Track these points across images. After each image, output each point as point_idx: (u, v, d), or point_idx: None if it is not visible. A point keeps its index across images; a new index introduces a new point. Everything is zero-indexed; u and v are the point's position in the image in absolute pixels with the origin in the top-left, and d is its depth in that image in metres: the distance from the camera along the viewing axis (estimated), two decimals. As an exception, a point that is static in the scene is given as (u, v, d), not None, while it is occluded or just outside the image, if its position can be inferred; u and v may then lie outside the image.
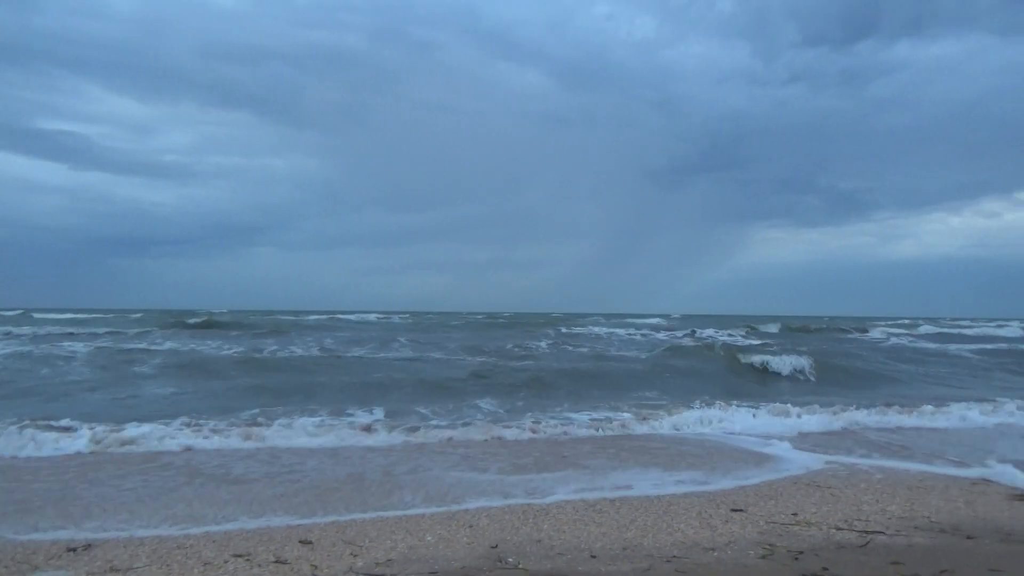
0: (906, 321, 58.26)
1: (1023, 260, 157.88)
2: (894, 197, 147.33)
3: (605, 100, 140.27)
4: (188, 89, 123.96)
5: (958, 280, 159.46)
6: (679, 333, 33.66)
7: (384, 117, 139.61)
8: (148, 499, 5.83)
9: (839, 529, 4.98)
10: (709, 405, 11.36)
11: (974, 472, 7.06)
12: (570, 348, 23.26)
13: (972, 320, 64.60)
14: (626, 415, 10.54)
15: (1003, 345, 28.93)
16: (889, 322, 55.28)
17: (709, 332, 33.72)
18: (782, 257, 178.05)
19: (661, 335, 32.14)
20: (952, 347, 27.13)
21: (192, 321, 35.62)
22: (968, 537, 4.75)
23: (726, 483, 6.60)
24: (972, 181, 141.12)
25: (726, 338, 29.50)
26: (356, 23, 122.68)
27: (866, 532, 4.88)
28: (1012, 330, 39.05)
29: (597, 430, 9.44)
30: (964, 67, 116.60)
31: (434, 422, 9.84)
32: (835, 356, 20.79)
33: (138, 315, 49.13)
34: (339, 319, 47.16)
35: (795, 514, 5.43)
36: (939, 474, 7.05)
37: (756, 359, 17.85)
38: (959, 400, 12.40)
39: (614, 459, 7.61)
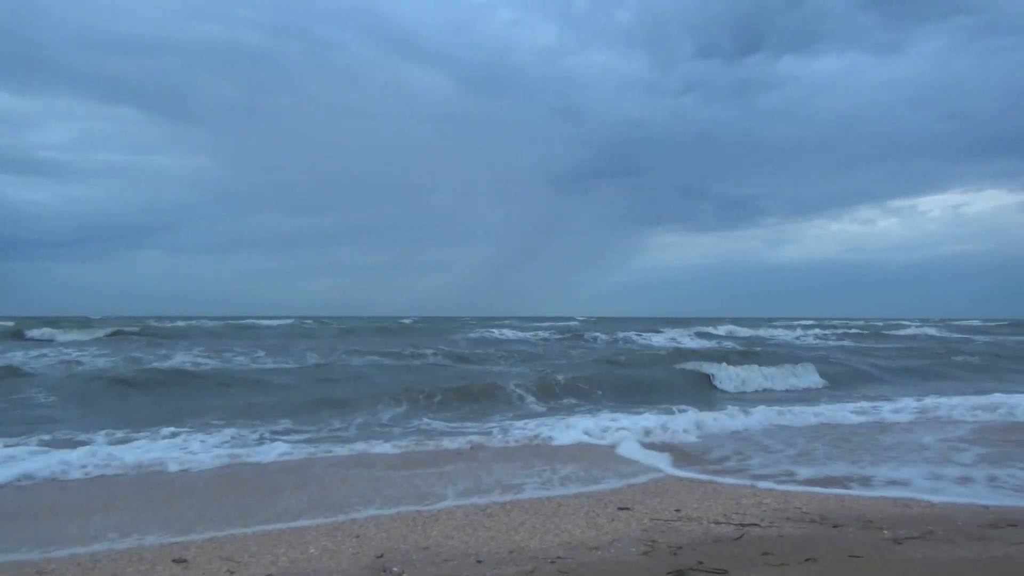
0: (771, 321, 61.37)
1: (894, 264, 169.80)
2: (781, 204, 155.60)
3: (509, 105, 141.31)
4: (68, 82, 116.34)
5: (838, 282, 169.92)
6: (614, 336, 34.27)
7: (283, 116, 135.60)
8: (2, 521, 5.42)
9: (718, 523, 5.17)
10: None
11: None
12: (466, 351, 23.28)
13: (847, 319, 68.87)
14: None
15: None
16: (783, 322, 58.23)
17: (653, 335, 34.55)
18: (678, 261, 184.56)
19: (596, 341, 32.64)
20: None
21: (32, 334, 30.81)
22: (834, 526, 5.03)
23: (615, 482, 6.75)
24: (850, 190, 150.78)
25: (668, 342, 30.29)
26: (253, 18, 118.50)
27: (742, 525, 5.09)
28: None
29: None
30: (843, 82, 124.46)
31: (324, 432, 9.60)
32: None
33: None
34: (231, 324, 45.39)
35: (678, 510, 5.61)
36: (812, 466, 7.45)
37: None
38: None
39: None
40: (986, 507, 5.65)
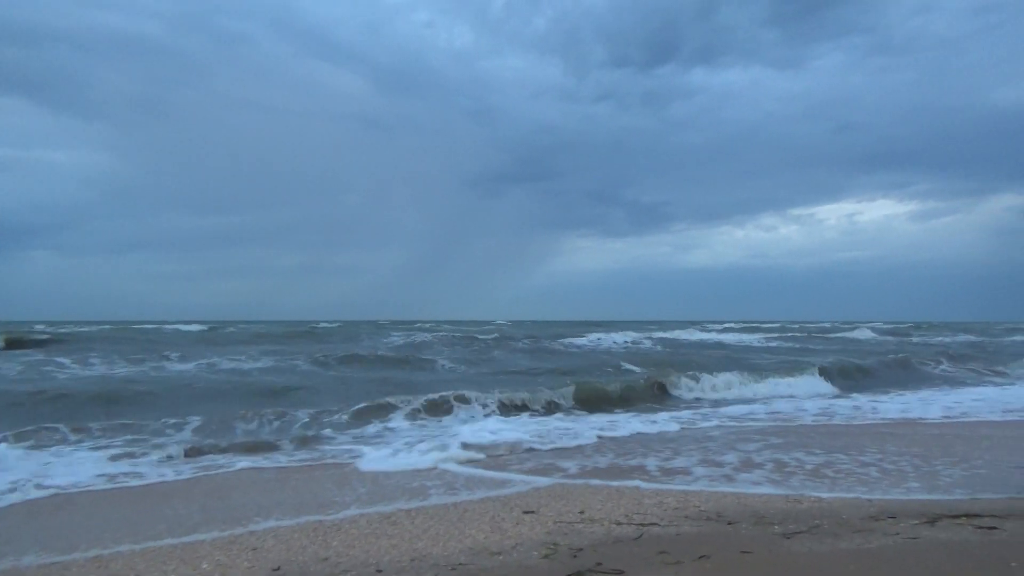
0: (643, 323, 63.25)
1: (795, 268, 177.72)
2: (690, 210, 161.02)
3: (424, 106, 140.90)
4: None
5: (743, 286, 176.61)
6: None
7: (188, 112, 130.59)
8: None
9: (619, 524, 5.26)
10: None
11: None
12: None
13: (743, 322, 71.62)
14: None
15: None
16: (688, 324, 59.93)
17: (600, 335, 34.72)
18: (591, 265, 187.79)
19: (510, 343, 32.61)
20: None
21: None
22: (729, 523, 5.20)
23: (522, 486, 6.78)
24: (754, 198, 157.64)
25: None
26: (155, 8, 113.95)
27: (642, 525, 5.19)
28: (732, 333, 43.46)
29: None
30: (748, 94, 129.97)
31: (224, 442, 9.28)
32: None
33: None
34: (131, 329, 43.39)
35: (582, 512, 5.68)
36: (712, 466, 7.69)
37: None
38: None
39: (415, 469, 7.57)
40: (870, 500, 5.96)
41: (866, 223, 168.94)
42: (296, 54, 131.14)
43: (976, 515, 5.11)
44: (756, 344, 36.60)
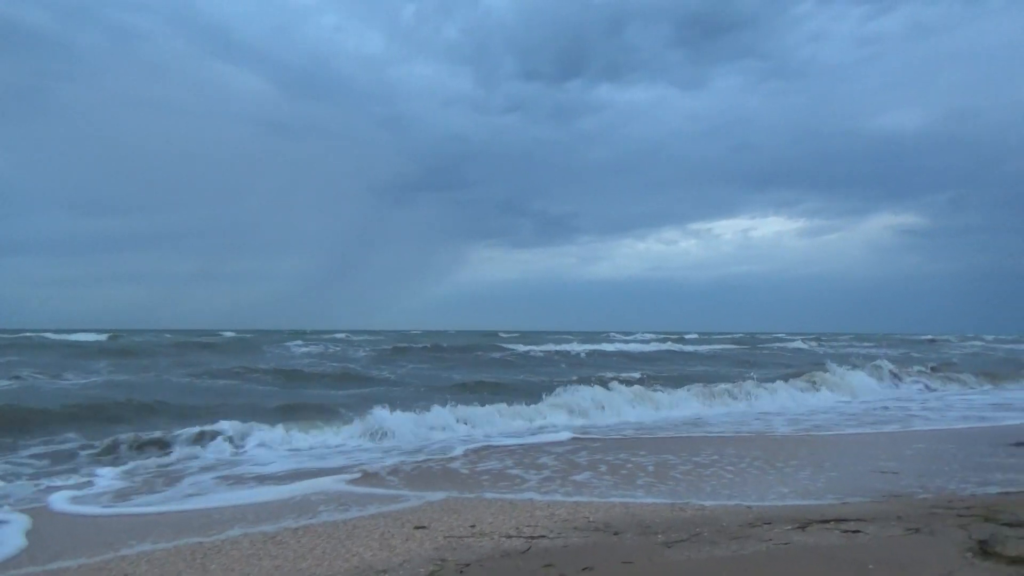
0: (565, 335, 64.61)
1: (693, 281, 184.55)
2: (595, 223, 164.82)
3: (332, 112, 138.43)
4: None
5: (644, 297, 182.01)
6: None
7: (75, 108, 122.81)
8: None
9: (509, 537, 5.29)
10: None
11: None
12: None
13: (652, 333, 73.74)
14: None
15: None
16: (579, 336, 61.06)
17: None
18: (499, 275, 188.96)
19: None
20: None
21: None
22: (615, 533, 5.31)
23: (414, 501, 6.72)
24: (656, 212, 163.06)
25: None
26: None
27: (531, 538, 5.24)
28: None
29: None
30: (653, 112, 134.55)
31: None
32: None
33: None
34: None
35: (473, 526, 5.67)
36: (604, 476, 7.83)
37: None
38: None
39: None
40: (749, 507, 6.22)
41: (759, 238, 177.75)
42: (196, 53, 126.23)
43: (843, 519, 5.42)
44: (707, 352, 37.64)
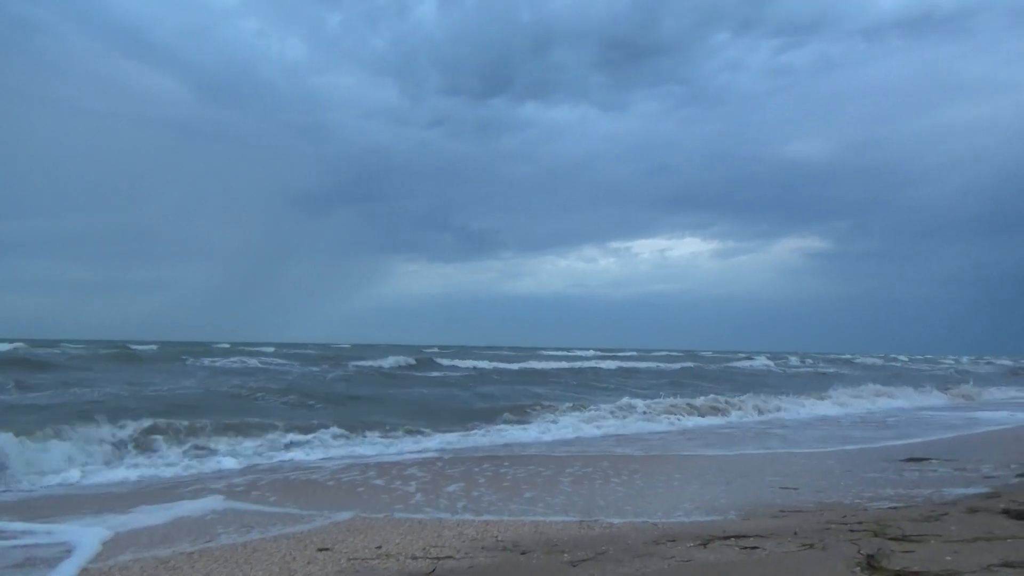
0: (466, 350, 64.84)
1: (612, 298, 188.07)
2: (517, 239, 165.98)
3: (249, 118, 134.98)
4: None
5: (565, 314, 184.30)
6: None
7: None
8: None
9: (415, 558, 5.20)
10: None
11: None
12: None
13: (572, 349, 74.59)
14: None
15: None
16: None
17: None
18: (418, 289, 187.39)
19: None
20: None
21: None
22: (523, 552, 5.29)
23: (320, 520, 6.53)
24: (576, 230, 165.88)
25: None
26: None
27: (437, 559, 5.16)
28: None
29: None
30: (575, 131, 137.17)
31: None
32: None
33: None
34: None
35: (379, 547, 5.55)
36: (516, 494, 7.83)
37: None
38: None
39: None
40: (655, 524, 6.32)
41: (675, 258, 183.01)
42: (104, 51, 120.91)
43: (744, 535, 5.57)
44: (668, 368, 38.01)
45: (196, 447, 10.68)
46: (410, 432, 12.63)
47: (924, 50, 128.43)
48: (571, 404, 16.99)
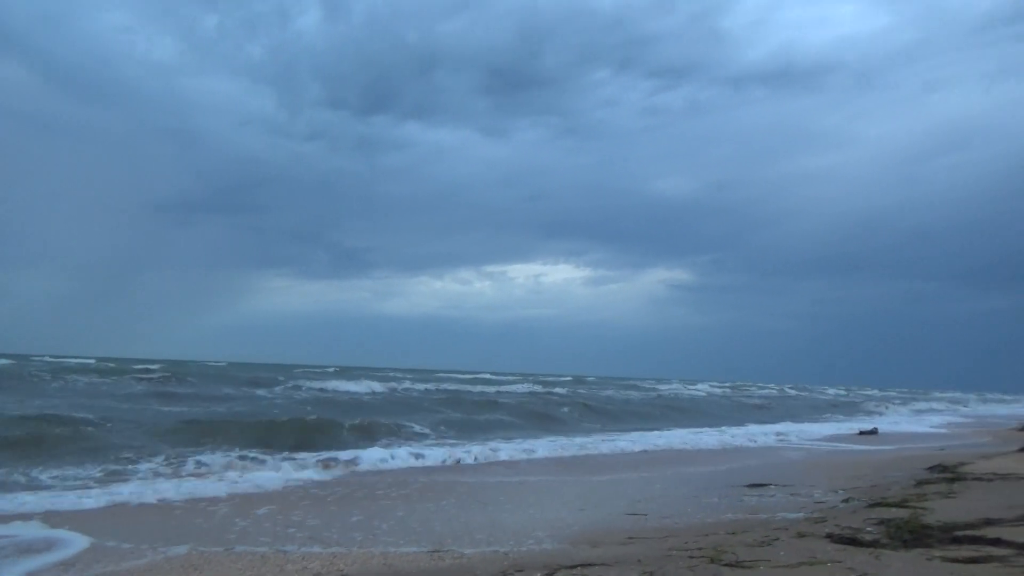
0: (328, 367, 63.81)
1: (486, 321, 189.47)
2: (391, 258, 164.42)
3: (110, 116, 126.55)
4: None
5: (437, 335, 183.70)
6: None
7: None
8: None
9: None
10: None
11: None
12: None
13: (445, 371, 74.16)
14: None
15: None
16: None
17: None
18: (287, 306, 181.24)
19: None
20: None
21: None
22: None
23: (152, 556, 6.08)
24: (453, 252, 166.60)
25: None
26: None
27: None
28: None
29: None
30: (456, 154, 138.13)
31: None
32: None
33: None
34: None
35: (214, 585, 5.23)
36: (369, 523, 7.61)
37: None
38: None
39: None
40: (506, 553, 6.32)
41: (549, 284, 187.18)
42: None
43: (589, 564, 5.65)
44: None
45: None
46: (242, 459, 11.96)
47: (782, 102, 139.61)
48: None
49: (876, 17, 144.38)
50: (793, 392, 67.57)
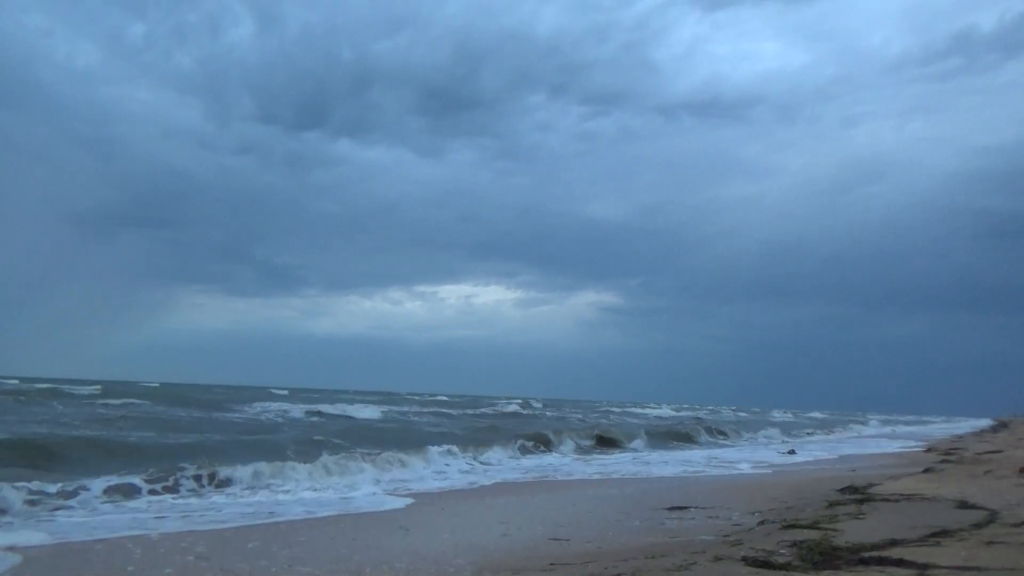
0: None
1: (416, 342, 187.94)
2: (321, 276, 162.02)
3: (24, 122, 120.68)
4: None
5: (366, 355, 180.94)
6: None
7: None
8: None
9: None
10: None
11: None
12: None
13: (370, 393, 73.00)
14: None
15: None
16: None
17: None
18: (208, 324, 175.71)
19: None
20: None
21: None
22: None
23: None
24: (383, 271, 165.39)
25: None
26: None
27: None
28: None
29: None
30: (390, 173, 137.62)
31: None
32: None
33: None
34: None
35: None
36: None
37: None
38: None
39: None
40: (424, 582, 6.19)
41: (480, 305, 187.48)
42: None
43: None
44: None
45: None
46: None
47: (709, 131, 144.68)
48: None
49: (797, 55, 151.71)
50: (726, 414, 69.44)
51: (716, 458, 22.31)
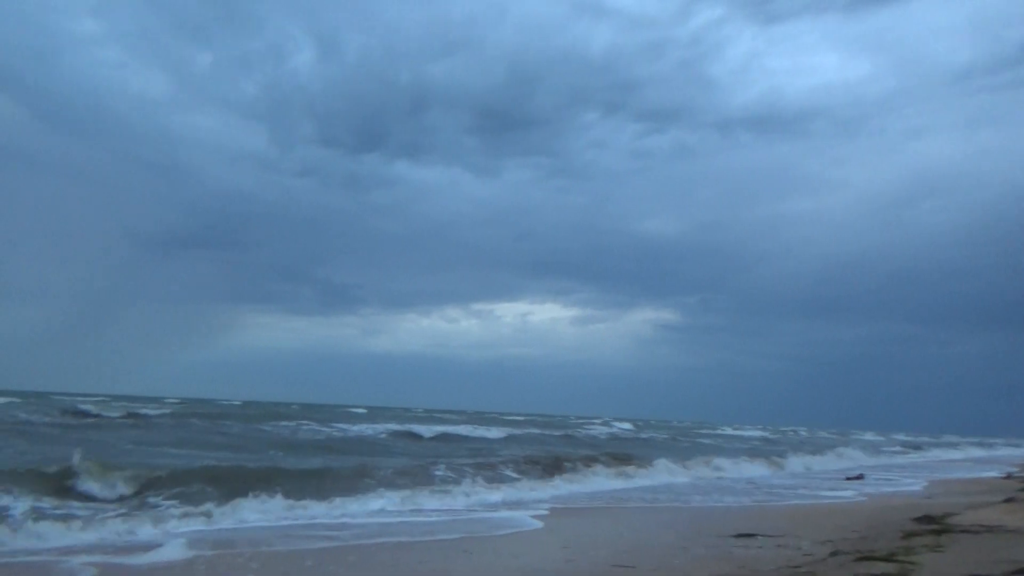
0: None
1: (472, 360, 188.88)
2: (379, 295, 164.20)
3: (96, 150, 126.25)
4: None
5: (423, 373, 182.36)
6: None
7: None
8: None
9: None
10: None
11: None
12: None
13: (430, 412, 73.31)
14: None
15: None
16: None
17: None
18: (271, 342, 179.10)
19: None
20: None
21: None
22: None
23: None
24: (440, 289, 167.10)
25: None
26: None
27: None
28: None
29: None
30: (445, 193, 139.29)
31: None
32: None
33: None
34: None
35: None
36: None
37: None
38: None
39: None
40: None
41: (536, 323, 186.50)
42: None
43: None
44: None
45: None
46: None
47: (767, 146, 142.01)
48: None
49: (858, 66, 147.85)
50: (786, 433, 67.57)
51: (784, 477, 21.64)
